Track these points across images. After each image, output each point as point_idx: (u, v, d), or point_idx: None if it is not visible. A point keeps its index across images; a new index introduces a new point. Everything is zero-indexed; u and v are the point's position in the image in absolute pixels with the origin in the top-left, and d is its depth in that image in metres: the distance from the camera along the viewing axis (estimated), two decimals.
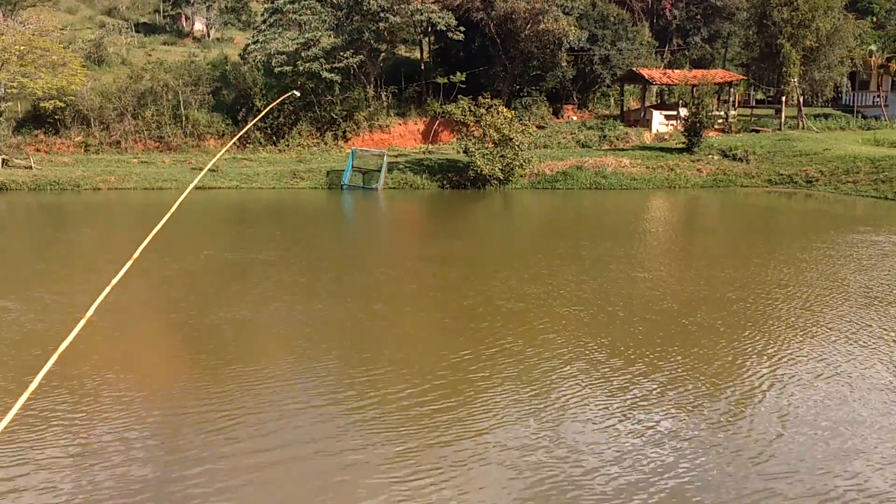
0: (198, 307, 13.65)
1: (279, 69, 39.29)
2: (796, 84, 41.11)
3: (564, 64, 42.61)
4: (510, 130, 33.56)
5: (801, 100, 41.46)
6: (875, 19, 54.52)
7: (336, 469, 7.51)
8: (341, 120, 41.41)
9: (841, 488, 7.07)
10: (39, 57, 36.64)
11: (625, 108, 44.01)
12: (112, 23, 58.53)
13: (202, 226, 24.39)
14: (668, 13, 50.03)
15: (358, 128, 41.60)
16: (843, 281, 15.11)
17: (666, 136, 39.81)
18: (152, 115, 41.13)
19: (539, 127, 40.26)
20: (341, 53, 39.65)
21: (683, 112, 38.45)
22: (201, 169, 36.83)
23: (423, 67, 44.94)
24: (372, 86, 42.28)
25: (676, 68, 45.97)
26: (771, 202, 30.34)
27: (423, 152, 39.85)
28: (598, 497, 6.95)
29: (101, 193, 33.98)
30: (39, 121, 40.46)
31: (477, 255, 19.64)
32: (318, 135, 41.57)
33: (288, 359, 11.00)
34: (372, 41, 40.59)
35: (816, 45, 41.50)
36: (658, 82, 41.94)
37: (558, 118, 43.60)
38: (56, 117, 39.75)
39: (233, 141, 9.50)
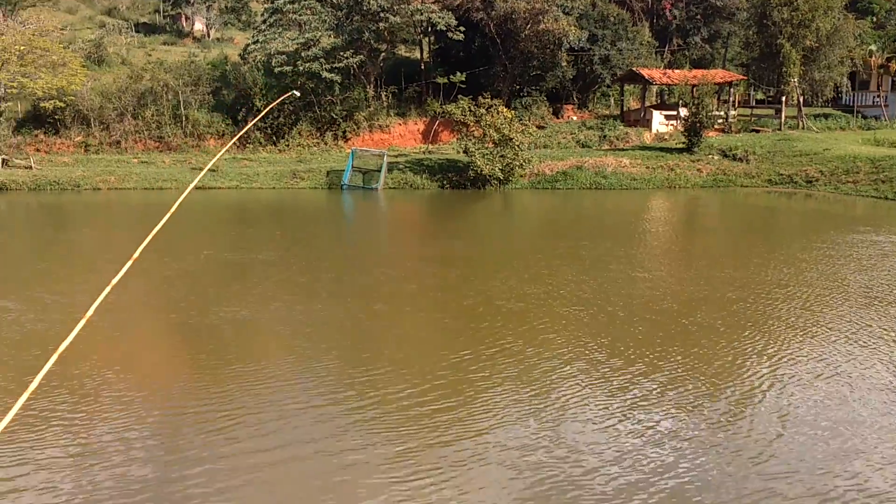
0: (198, 307, 13.65)
1: (279, 69, 39.29)
2: (796, 84, 41.11)
3: (564, 64, 42.60)
4: (510, 130, 33.57)
5: (801, 100, 41.47)
6: (875, 19, 54.52)
7: (336, 469, 7.51)
8: (341, 120, 41.41)
9: (841, 488, 7.07)
10: (39, 57, 36.66)
11: (625, 108, 44.01)
12: (112, 23, 58.53)
13: (202, 226, 24.39)
14: (668, 13, 50.04)
15: (358, 128, 41.60)
16: (843, 281, 15.12)
17: (666, 136, 39.82)
18: (152, 115, 41.13)
19: (539, 127, 40.26)
20: (341, 53, 39.65)
21: (683, 112, 38.45)
22: (201, 169, 36.83)
23: (423, 67, 44.94)
24: (372, 86, 42.29)
25: (676, 68, 45.98)
26: (771, 202, 30.35)
27: (423, 152, 39.85)
28: (598, 497, 6.95)
29: (101, 193, 33.98)
30: (39, 121, 40.46)
31: (477, 255, 19.64)
32: (318, 135, 41.57)
33: (288, 359, 11.00)
34: (372, 41, 40.59)
35: (816, 45, 41.49)
36: (658, 82, 41.94)
37: (558, 118, 43.61)
38: (56, 117, 39.75)
39: (232, 141, 9.50)
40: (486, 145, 33.79)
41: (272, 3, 43.92)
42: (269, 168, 37.15)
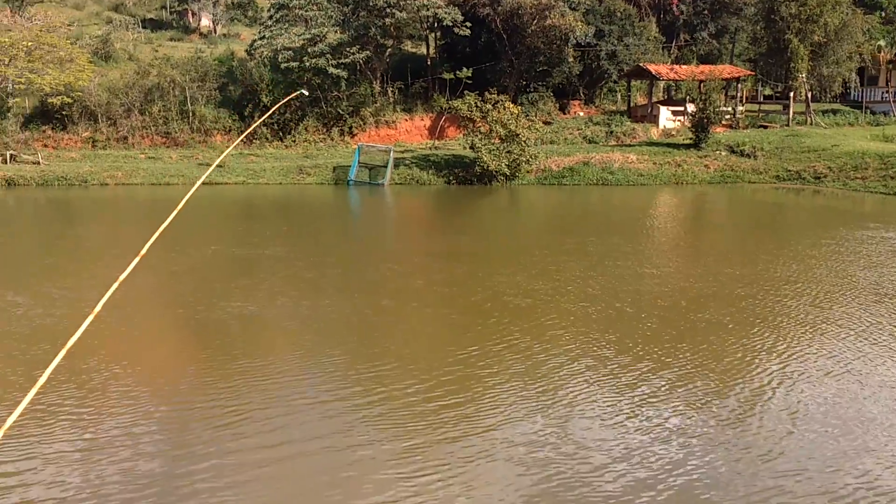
0: (205, 302, 13.66)
1: (285, 65, 39.29)
2: (804, 80, 40.91)
3: (571, 59, 42.49)
4: (516, 126, 33.51)
5: (810, 95, 41.28)
6: (884, 14, 54.15)
7: (343, 465, 7.50)
8: (347, 116, 41.39)
9: (851, 486, 7.02)
10: (47, 53, 36.73)
11: (632, 104, 43.89)
12: (119, 19, 58.60)
13: (209, 221, 24.42)
14: (675, 8, 49.84)
15: (364, 123, 41.59)
16: (852, 278, 15.03)
17: (673, 132, 39.69)
18: (159, 111, 41.20)
19: (545, 123, 40.19)
20: (347, 49, 39.63)
21: (691, 108, 38.33)
22: (208, 164, 36.90)
23: (429, 63, 44.87)
24: (378, 81, 42.25)
25: (683, 64, 45.78)
26: (779, 198, 30.22)
27: (430, 148, 39.81)
28: (606, 494, 6.92)
29: (109, 189, 34.06)
30: (47, 116, 40.58)
31: (483, 250, 19.61)
32: (325, 130, 41.57)
33: (295, 354, 10.99)
34: (378, 37, 40.55)
35: (825, 40, 41.27)
36: (665, 78, 41.81)
37: (565, 114, 43.51)
38: (63, 113, 39.86)
39: (240, 138, 9.48)
40: (492, 141, 33.75)
41: None
42: (276, 164, 37.17)
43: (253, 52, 42.43)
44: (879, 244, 18.72)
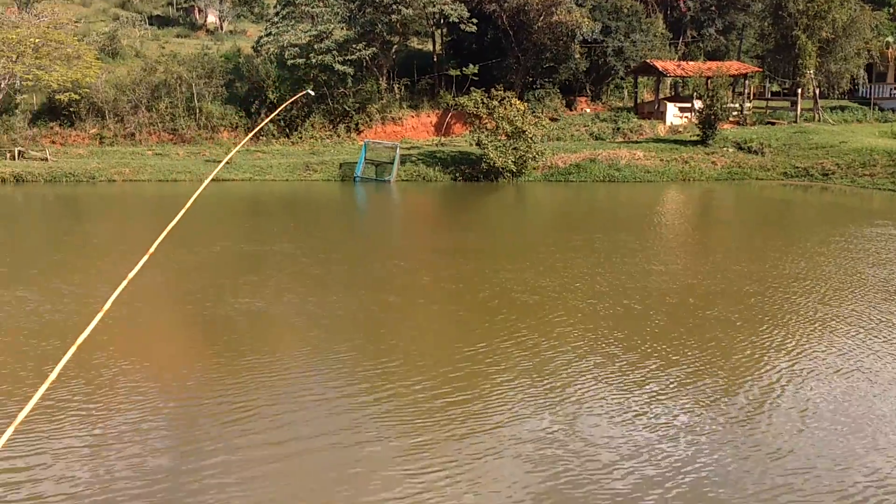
0: (213, 298, 13.69)
1: (292, 61, 39.30)
2: (812, 76, 40.71)
3: (577, 56, 42.36)
4: (523, 123, 33.44)
5: (818, 92, 41.07)
6: (892, 10, 53.82)
7: (351, 461, 7.51)
8: (354, 112, 41.38)
9: (861, 484, 7.00)
10: (54, 49, 36.80)
11: (638, 101, 43.76)
12: (126, 15, 58.68)
13: (216, 218, 24.44)
14: (682, 4, 49.61)
15: (370, 120, 41.58)
16: (860, 275, 14.97)
17: (680, 129, 39.56)
18: (166, 108, 41.27)
19: (552, 119, 40.10)
20: (354, 46, 39.61)
21: (698, 104, 38.19)
22: (215, 161, 36.99)
23: (435, 60, 44.81)
24: (384, 78, 42.22)
25: (691, 60, 45.62)
26: (786, 195, 30.12)
27: (436, 145, 39.78)
28: (614, 492, 6.91)
29: (116, 185, 34.15)
30: (55, 113, 40.68)
31: (490, 247, 19.59)
32: (331, 127, 41.58)
33: (303, 350, 11.01)
34: (384, 33, 40.51)
35: (833, 36, 41.05)
36: (672, 74, 41.67)
37: (571, 110, 43.40)
38: (71, 109, 39.94)
39: (248, 137, 9.48)
40: (498, 138, 33.70)
41: None
42: (282, 160, 37.20)
43: (259, 48, 42.44)
44: (888, 241, 18.64)
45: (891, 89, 44.38)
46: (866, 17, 42.77)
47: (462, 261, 17.23)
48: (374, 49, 40.05)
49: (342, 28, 41.25)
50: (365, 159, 35.42)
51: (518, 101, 34.65)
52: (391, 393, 9.17)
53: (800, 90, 40.45)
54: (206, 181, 5.41)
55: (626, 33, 43.00)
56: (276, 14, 43.51)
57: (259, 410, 8.73)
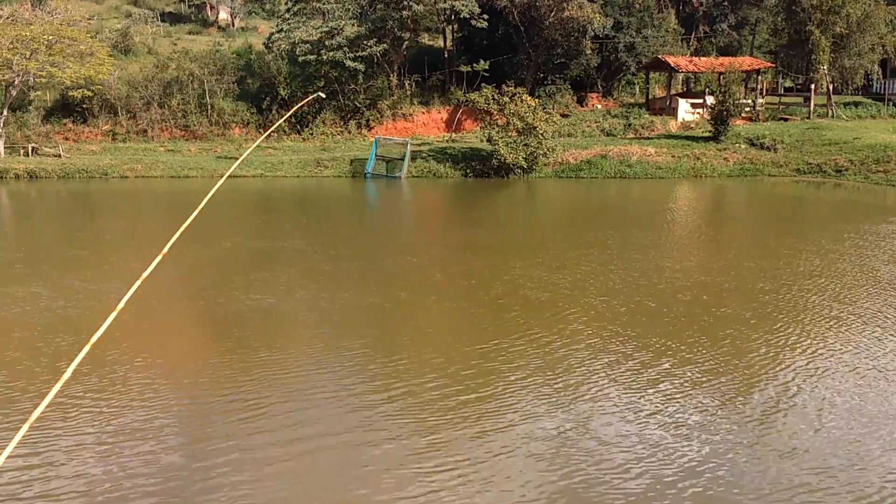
0: (225, 294, 13.72)
1: (303, 58, 39.37)
2: (826, 72, 40.43)
3: (589, 52, 42.24)
4: (534, 119, 33.38)
5: (831, 88, 40.78)
6: None
7: (363, 460, 7.50)
8: (365, 108, 41.42)
9: (877, 485, 6.93)
10: (67, 46, 36.99)
11: (650, 97, 43.58)
12: (138, 12, 58.93)
13: (228, 214, 24.50)
14: (694, 0, 49.35)
15: (381, 116, 41.61)
16: (875, 272, 14.85)
17: (692, 125, 39.39)
18: (178, 104, 41.45)
19: (563, 115, 40.01)
20: (365, 42, 39.63)
21: (710, 100, 38.00)
22: (227, 157, 37.11)
23: (446, 56, 44.76)
24: (395, 74, 42.21)
25: (703, 56, 45.41)
26: (799, 192, 29.92)
27: (447, 141, 39.76)
28: (628, 492, 6.87)
29: (129, 181, 34.31)
30: (68, 110, 40.94)
31: (501, 243, 19.56)
32: (342, 123, 41.65)
33: (314, 347, 11.01)
34: (395, 29, 40.50)
35: (846, 31, 40.74)
36: (684, 70, 41.46)
37: (582, 106, 43.28)
38: (84, 106, 40.18)
39: (265, 136, 9.49)
40: (509, 134, 33.65)
41: None
42: (293, 156, 37.27)
43: (271, 45, 42.55)
44: None
45: None
46: (881, 12, 42.42)
47: (473, 257, 17.20)
48: (384, 45, 40.04)
49: (353, 24, 41.28)
50: (376, 156, 35.45)
51: (529, 97, 34.59)
52: (403, 391, 9.16)
53: (813, 86, 40.16)
54: (221, 181, 5.41)
55: (638, 29, 42.81)
56: (288, 10, 43.60)
57: (271, 408, 8.74)
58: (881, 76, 46.25)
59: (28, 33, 35.80)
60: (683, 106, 40.68)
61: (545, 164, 34.11)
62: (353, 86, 41.05)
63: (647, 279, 14.48)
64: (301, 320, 12.43)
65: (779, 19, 44.15)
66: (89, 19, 47.81)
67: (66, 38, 37.40)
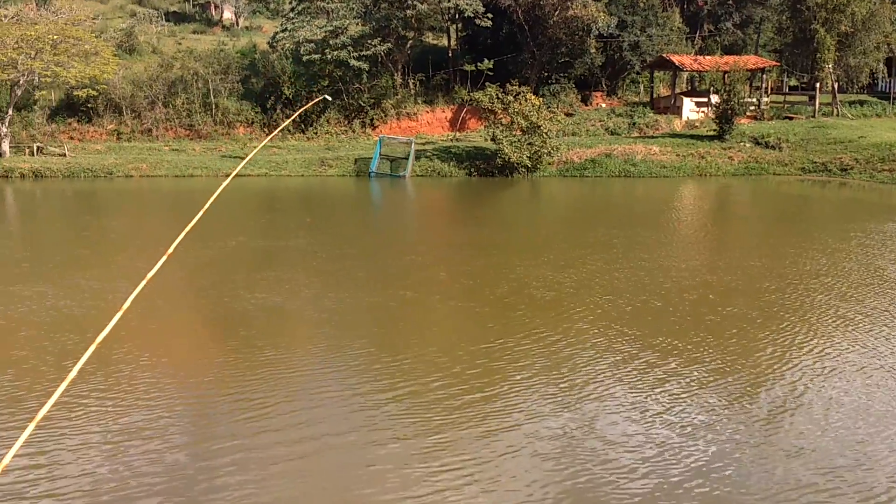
0: (230, 294, 13.73)
1: (307, 57, 39.36)
2: (831, 70, 40.29)
3: (593, 50, 42.15)
4: (538, 118, 33.32)
5: (836, 86, 40.65)
6: None
7: (368, 460, 7.50)
8: (369, 108, 41.42)
9: (884, 485, 6.91)
10: (72, 46, 37.03)
11: (654, 95, 43.48)
12: (142, 12, 59.00)
13: (233, 213, 24.51)
14: None
15: (385, 115, 41.59)
16: (881, 271, 14.81)
17: (696, 124, 39.30)
18: (182, 104, 41.47)
19: (567, 114, 39.93)
20: (369, 41, 39.61)
21: (714, 99, 37.89)
22: (231, 156, 37.15)
23: (450, 55, 44.72)
24: (399, 73, 42.20)
25: (707, 54, 45.27)
26: (804, 191, 29.84)
27: (451, 140, 39.74)
28: (634, 492, 6.86)
29: (134, 181, 34.35)
30: (73, 109, 41.00)
31: (506, 242, 19.54)
32: (346, 122, 41.65)
33: (319, 346, 11.02)
34: (399, 29, 40.48)
35: (852, 30, 40.59)
36: (689, 69, 41.36)
37: (587, 105, 43.20)
38: (89, 105, 40.24)
39: (270, 137, 9.53)
40: (513, 133, 33.60)
41: None
42: (298, 156, 37.28)
43: (275, 44, 42.53)
44: None
45: None
46: (886, 10, 42.27)
47: (478, 256, 17.19)
48: (389, 44, 40.02)
49: (357, 23, 41.27)
50: (380, 155, 35.44)
51: (533, 96, 34.51)
52: (408, 390, 9.16)
53: (818, 84, 40.04)
54: (226, 181, 5.42)
55: (643, 27, 42.72)
56: (292, 10, 43.60)
57: (276, 407, 8.74)
58: (886, 74, 46.09)
59: (33, 33, 35.84)
60: (688, 105, 40.58)
61: (549, 163, 34.05)
62: (357, 85, 41.05)
63: (652, 278, 14.46)
64: (306, 319, 12.44)
65: (783, 18, 44.02)
66: (94, 19, 47.83)
67: (71, 37, 37.43)
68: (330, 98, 10.07)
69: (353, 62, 39.17)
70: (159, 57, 45.67)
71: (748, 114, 39.00)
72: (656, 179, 32.44)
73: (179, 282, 14.68)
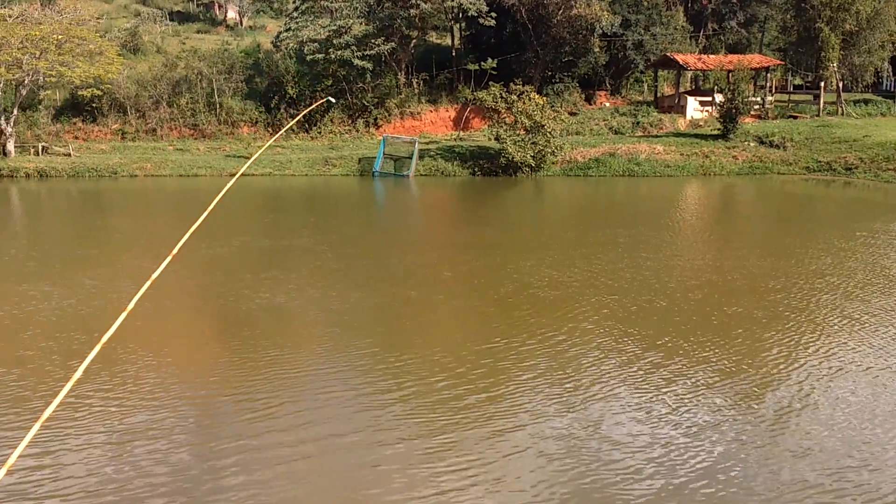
0: (234, 293, 13.74)
1: (311, 57, 39.38)
2: (835, 69, 40.17)
3: (597, 50, 42.10)
4: (542, 117, 33.29)
5: (841, 85, 40.53)
6: None
7: (374, 460, 7.50)
8: (373, 107, 41.42)
9: (891, 485, 6.88)
10: (77, 46, 37.08)
11: (658, 95, 43.41)
12: (147, 11, 59.10)
13: (237, 212, 24.52)
14: None
15: (389, 115, 41.59)
16: (887, 271, 14.76)
17: (701, 123, 39.22)
18: (187, 103, 41.52)
19: (571, 113, 39.89)
20: (373, 41, 39.60)
21: (719, 98, 37.82)
22: (236, 156, 37.18)
23: (454, 54, 44.71)
24: (403, 73, 42.19)
25: (711, 53, 45.18)
26: (809, 190, 29.76)
27: (455, 139, 39.71)
28: (640, 493, 6.84)
29: (138, 180, 34.40)
30: (77, 109, 41.07)
31: (510, 242, 19.52)
32: (350, 122, 41.66)
33: (324, 346, 11.02)
34: (403, 28, 40.47)
35: (856, 28, 40.47)
36: (693, 68, 41.28)
37: (591, 104, 43.15)
38: (93, 105, 40.30)
39: (275, 138, 9.50)
40: (517, 132, 33.57)
41: None
42: (302, 155, 37.30)
43: (279, 43, 42.56)
44: None
45: None
46: (891, 8, 42.11)
47: (482, 256, 17.18)
48: (392, 44, 40.01)
49: (361, 23, 41.26)
50: (384, 154, 35.45)
51: (537, 96, 34.48)
52: (413, 391, 9.15)
53: (822, 83, 39.94)
54: (231, 182, 5.42)
55: (646, 26, 42.64)
56: (296, 9, 43.62)
57: (281, 407, 8.74)
58: (891, 73, 45.96)
59: (38, 33, 35.90)
60: (692, 104, 40.51)
61: (553, 163, 34.02)
62: (360, 84, 41.07)
63: (657, 278, 14.43)
64: (310, 319, 12.44)
65: (788, 16, 43.90)
66: (98, 18, 47.92)
67: (76, 37, 37.49)
68: (333, 100, 10.05)
69: (356, 62, 39.18)
70: (163, 56, 45.74)
71: (752, 113, 38.92)
72: (660, 179, 32.39)
73: (184, 282, 14.69)
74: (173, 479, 7.18)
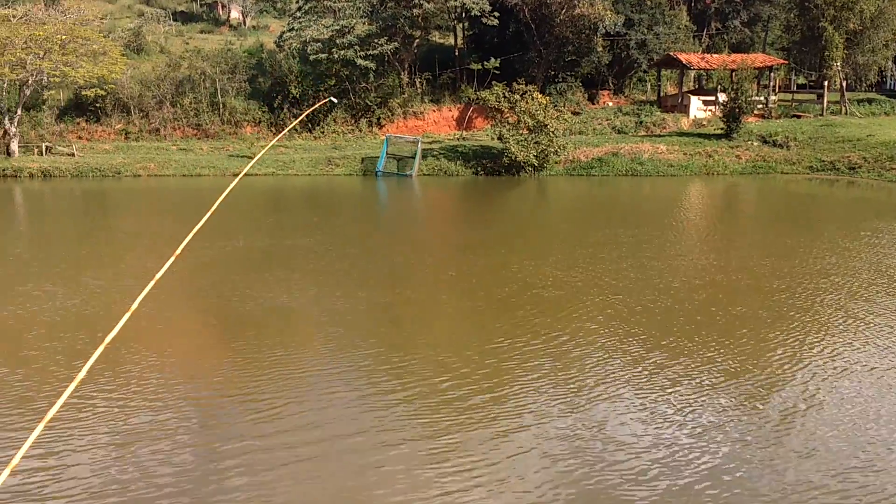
0: (237, 293, 13.74)
1: (314, 56, 39.41)
2: (839, 68, 40.10)
3: (600, 49, 42.06)
4: (545, 117, 33.27)
5: (844, 84, 40.47)
6: None
7: (378, 461, 7.49)
8: (376, 107, 41.43)
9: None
10: (80, 46, 37.13)
11: (662, 94, 43.37)
12: (150, 11, 59.15)
13: (240, 212, 24.53)
14: None
15: (392, 114, 41.60)
16: (891, 270, 14.72)
17: (704, 122, 39.17)
18: (190, 103, 41.57)
19: (574, 113, 39.86)
20: (376, 40, 39.61)
21: (722, 97, 37.77)
22: (239, 155, 37.21)
23: (457, 54, 44.71)
24: (406, 72, 42.19)
25: (715, 53, 45.11)
26: (812, 189, 29.71)
27: (458, 139, 39.71)
28: (645, 494, 6.82)
29: (142, 180, 34.44)
30: (81, 109, 41.14)
31: (513, 242, 19.50)
32: (353, 122, 41.68)
33: (327, 346, 11.01)
34: (406, 28, 40.48)
35: (860, 27, 40.40)
36: (696, 67, 41.23)
37: (594, 104, 43.11)
38: (97, 105, 40.36)
39: (278, 137, 9.49)
40: (520, 132, 33.56)
41: None
42: (305, 155, 37.32)
43: (282, 43, 42.59)
44: None
45: None
46: (895, 8, 42.03)
47: (485, 256, 17.17)
48: (395, 43, 40.02)
49: (364, 23, 41.27)
50: (386, 154, 35.46)
51: (540, 95, 34.47)
52: (417, 391, 9.14)
53: (826, 82, 39.87)
54: (235, 181, 5.41)
55: (650, 26, 42.59)
56: (299, 9, 43.63)
57: (285, 408, 8.74)
58: (895, 72, 45.87)
59: (41, 33, 35.95)
60: (695, 103, 40.47)
61: (556, 162, 34.01)
62: (363, 84, 41.08)
63: (661, 277, 14.41)
64: (314, 319, 12.44)
65: (791, 16, 43.84)
66: (102, 19, 47.99)
67: (79, 37, 37.53)
68: (336, 100, 10.05)
69: (359, 61, 39.20)
70: (167, 56, 45.80)
71: (756, 112, 38.86)
72: (663, 178, 32.36)
73: (188, 281, 14.70)
74: (177, 480, 7.18)
